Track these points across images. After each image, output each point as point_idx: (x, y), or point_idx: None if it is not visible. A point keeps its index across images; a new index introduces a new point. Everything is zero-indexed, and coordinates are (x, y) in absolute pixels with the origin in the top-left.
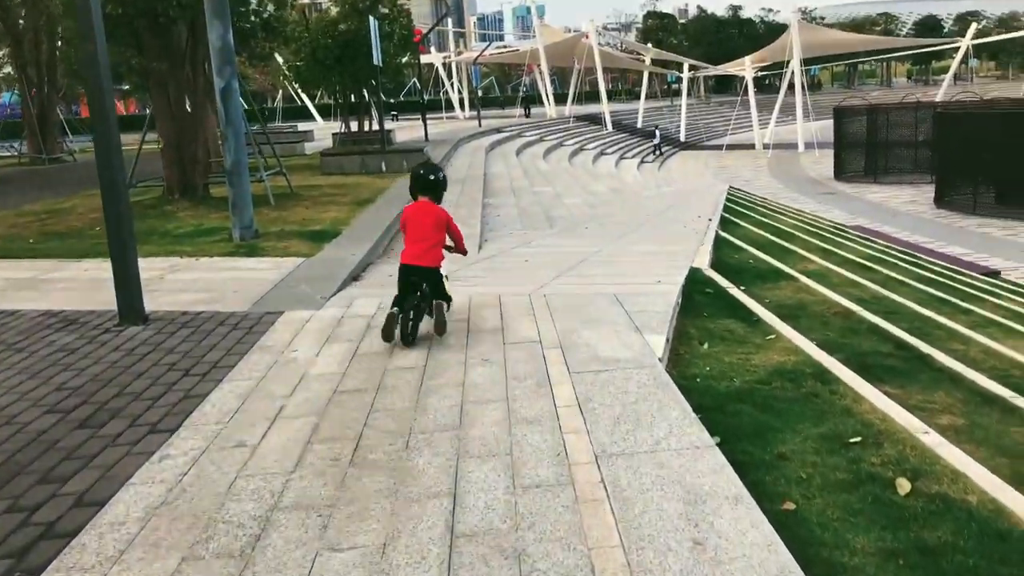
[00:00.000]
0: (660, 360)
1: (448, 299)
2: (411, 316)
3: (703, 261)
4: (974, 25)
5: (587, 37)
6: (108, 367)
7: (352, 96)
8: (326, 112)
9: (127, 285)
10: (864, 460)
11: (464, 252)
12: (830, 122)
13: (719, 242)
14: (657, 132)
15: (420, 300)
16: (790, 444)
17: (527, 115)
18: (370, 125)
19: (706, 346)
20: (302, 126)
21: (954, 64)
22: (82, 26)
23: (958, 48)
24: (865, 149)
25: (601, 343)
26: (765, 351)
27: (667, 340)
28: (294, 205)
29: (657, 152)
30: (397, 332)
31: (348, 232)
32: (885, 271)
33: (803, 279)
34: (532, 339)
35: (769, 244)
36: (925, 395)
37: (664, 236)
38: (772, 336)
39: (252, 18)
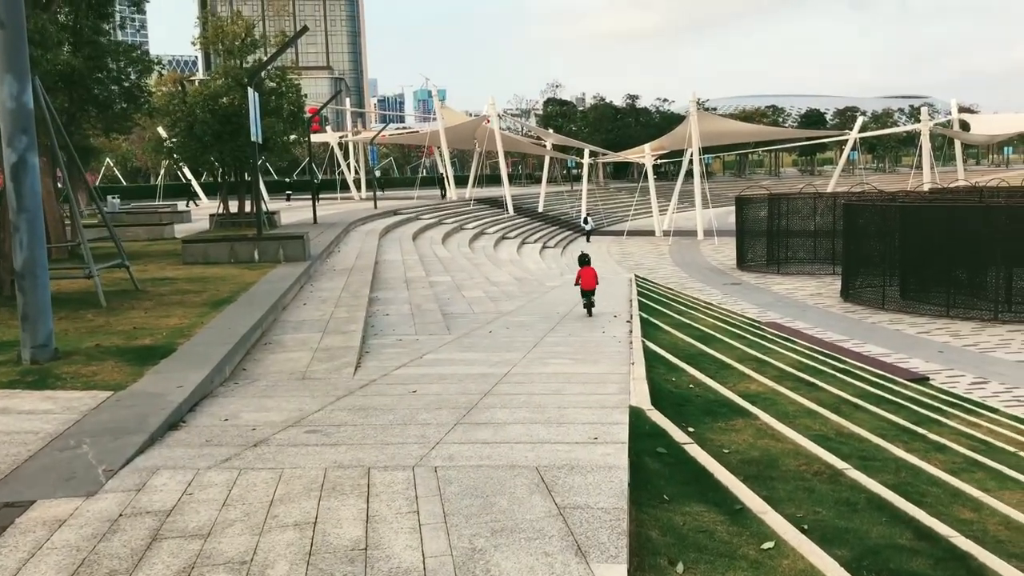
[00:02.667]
0: None
1: None
2: None
3: (641, 394)
4: (860, 119)
5: (488, 121)
6: None
7: (233, 175)
8: (213, 190)
9: None
10: None
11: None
12: (726, 209)
13: (648, 356)
14: (589, 219)
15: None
16: None
17: (443, 196)
18: (252, 206)
19: (680, 568)
20: (184, 205)
21: (844, 156)
22: None
23: (842, 140)
24: (767, 238)
25: None
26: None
27: (627, 573)
28: (131, 307)
29: (587, 240)
30: None
31: (187, 347)
32: (828, 388)
33: (755, 411)
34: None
35: (700, 355)
36: None
37: (582, 347)
38: (770, 545)
39: (111, 85)
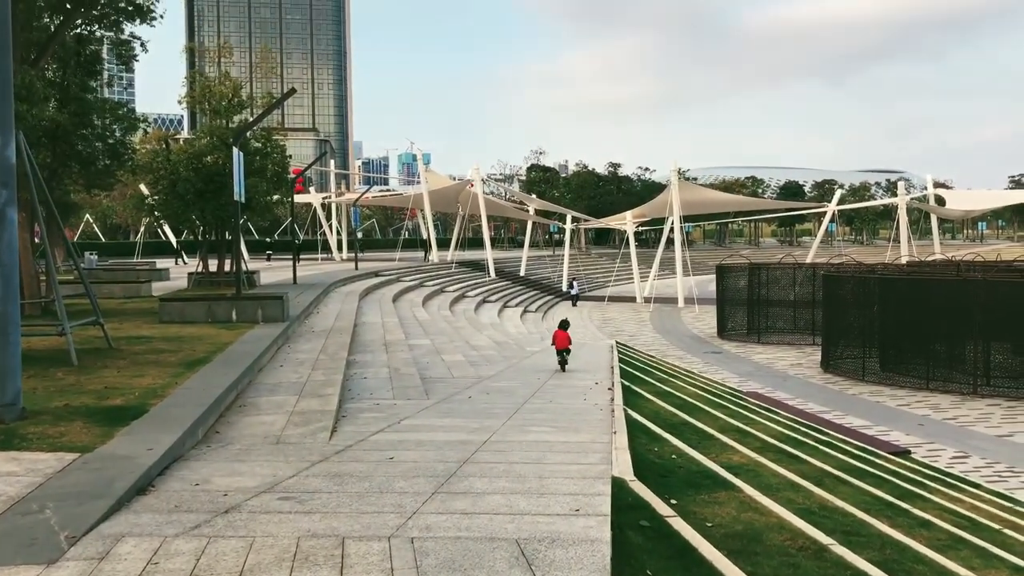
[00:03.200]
0: None
1: None
2: None
3: (624, 464)
4: (838, 191)
5: (472, 185)
6: None
7: (214, 234)
8: (193, 249)
9: None
10: None
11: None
12: (707, 277)
13: (630, 425)
14: (575, 284)
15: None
16: None
17: (426, 258)
18: (232, 265)
19: None
20: (163, 263)
21: (823, 227)
22: None
23: (820, 211)
24: (747, 307)
25: None
26: None
27: None
28: (103, 366)
29: (574, 304)
30: None
31: (160, 408)
32: (811, 460)
33: (739, 484)
34: None
35: (682, 425)
36: None
37: (563, 414)
38: None
39: (96, 142)
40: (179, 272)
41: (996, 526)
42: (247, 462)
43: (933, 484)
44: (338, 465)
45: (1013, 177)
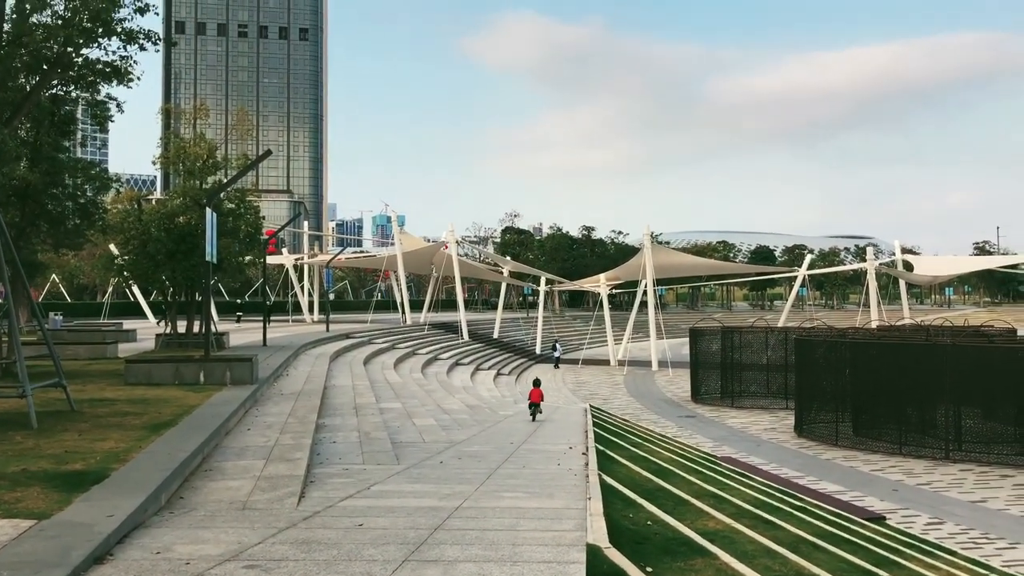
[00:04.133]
0: None
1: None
2: None
3: (598, 531)
4: (808, 256)
5: (446, 246)
6: None
7: (184, 294)
8: (160, 309)
9: None
10: None
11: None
12: (679, 340)
13: (605, 490)
14: (557, 346)
15: None
16: None
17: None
18: (202, 327)
19: None
20: (130, 324)
21: (794, 291)
22: None
23: (791, 276)
24: (721, 371)
25: None
26: None
27: None
28: (64, 429)
29: (556, 366)
30: None
31: (122, 473)
32: (786, 526)
33: (714, 550)
34: None
35: (657, 490)
36: None
37: (537, 479)
38: None
39: (66, 201)
40: (147, 333)
41: None
42: (211, 529)
43: (908, 551)
44: (306, 532)
45: (977, 243)
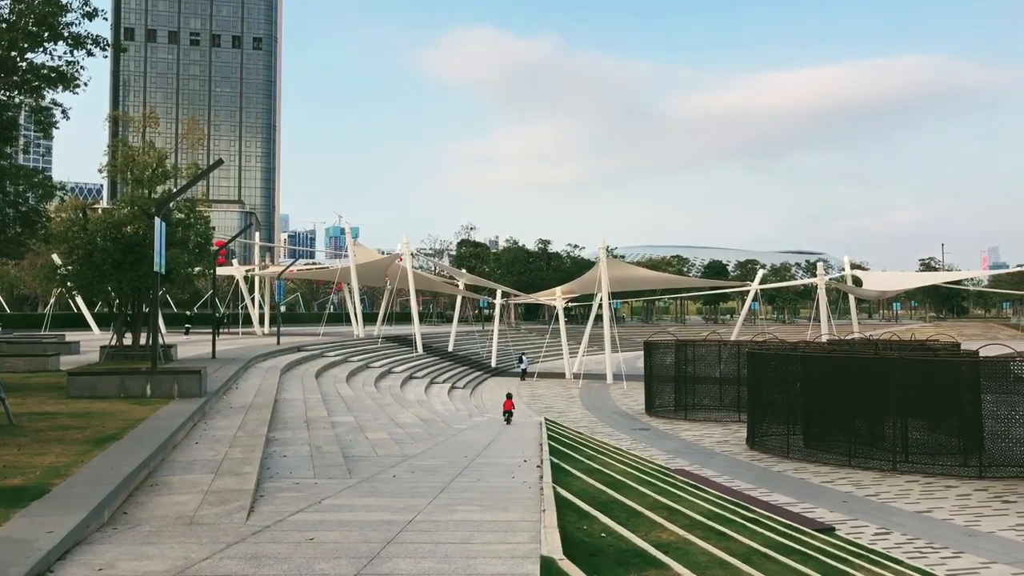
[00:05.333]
0: None
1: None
2: None
3: (552, 543)
4: (760, 271)
5: (401, 259)
6: None
7: (131, 306)
8: (106, 321)
9: None
10: None
11: None
12: (634, 353)
13: (559, 503)
14: (524, 359)
15: None
16: None
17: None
18: (149, 339)
19: None
20: (73, 335)
21: (746, 305)
22: None
23: (744, 290)
24: (675, 384)
25: None
26: None
27: None
28: (3, 443)
29: (522, 378)
30: None
31: (63, 488)
32: (739, 537)
33: (668, 562)
34: None
35: (611, 502)
36: None
37: (491, 493)
38: None
39: (7, 209)
40: (90, 345)
41: None
42: (157, 544)
43: (857, 560)
44: (255, 546)
45: (923, 260)
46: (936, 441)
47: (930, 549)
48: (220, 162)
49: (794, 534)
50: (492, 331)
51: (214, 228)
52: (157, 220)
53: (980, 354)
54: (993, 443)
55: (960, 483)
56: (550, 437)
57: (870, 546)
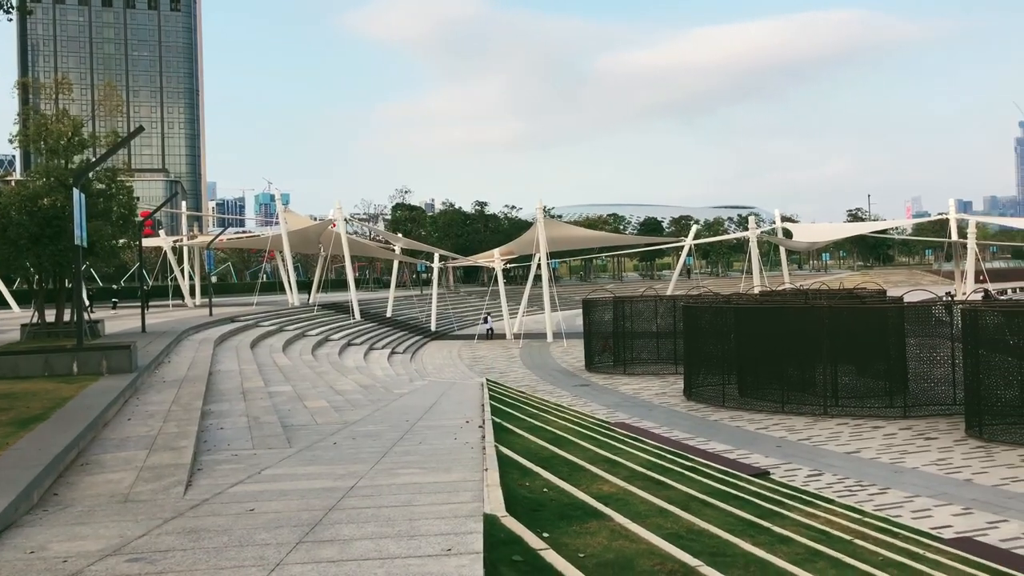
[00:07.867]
0: None
1: None
2: None
3: (495, 501)
4: (694, 227)
5: (334, 224)
6: None
7: (52, 281)
8: (26, 298)
9: None
10: None
11: None
12: (574, 312)
13: (501, 461)
14: (489, 319)
15: None
16: None
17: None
18: (72, 315)
19: None
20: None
21: (681, 260)
22: None
23: (678, 246)
24: (613, 340)
25: None
26: None
27: None
28: None
29: (489, 337)
30: None
31: None
32: (678, 486)
33: (609, 513)
34: None
35: (552, 458)
36: None
37: (434, 455)
38: None
39: None
40: (10, 324)
41: (848, 537)
42: (90, 524)
43: (791, 502)
44: (193, 520)
45: (851, 211)
46: (864, 385)
47: (859, 487)
48: (140, 129)
49: (731, 480)
50: (431, 295)
51: (138, 198)
52: (76, 191)
53: (904, 300)
54: (917, 384)
55: (886, 423)
56: (492, 397)
57: (803, 487)
